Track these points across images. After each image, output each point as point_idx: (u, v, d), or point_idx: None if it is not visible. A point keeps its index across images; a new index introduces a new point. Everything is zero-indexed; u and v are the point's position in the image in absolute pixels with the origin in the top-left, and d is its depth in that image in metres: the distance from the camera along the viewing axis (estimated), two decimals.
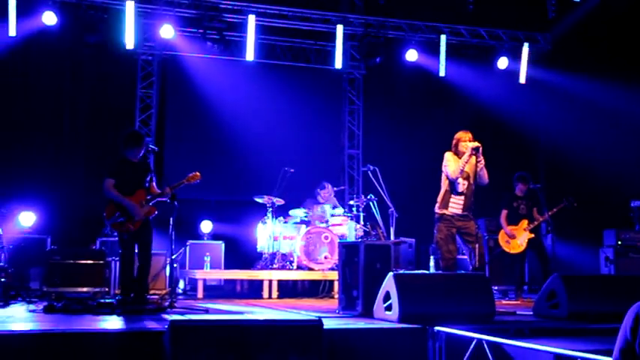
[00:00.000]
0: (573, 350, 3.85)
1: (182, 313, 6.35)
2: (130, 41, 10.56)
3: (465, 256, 7.60)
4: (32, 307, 6.85)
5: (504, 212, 9.18)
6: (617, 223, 10.22)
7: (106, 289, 8.56)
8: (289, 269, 9.54)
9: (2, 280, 7.57)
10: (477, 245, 7.13)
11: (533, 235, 9.02)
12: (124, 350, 4.71)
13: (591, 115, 11.08)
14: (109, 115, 11.25)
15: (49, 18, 10.22)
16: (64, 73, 11.11)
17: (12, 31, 10.02)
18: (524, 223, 9.06)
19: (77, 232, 9.97)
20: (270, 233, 9.71)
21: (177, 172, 11.22)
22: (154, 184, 7.23)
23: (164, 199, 7.02)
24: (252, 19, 11.12)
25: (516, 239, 9.05)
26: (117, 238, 7.26)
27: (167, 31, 10.80)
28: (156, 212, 7.09)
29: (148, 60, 11.65)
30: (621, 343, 2.83)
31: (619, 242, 9.94)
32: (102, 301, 6.85)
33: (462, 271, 7.65)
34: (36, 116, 10.90)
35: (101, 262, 8.58)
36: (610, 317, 3.55)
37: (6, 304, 7.15)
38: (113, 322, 5.65)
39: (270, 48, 12.01)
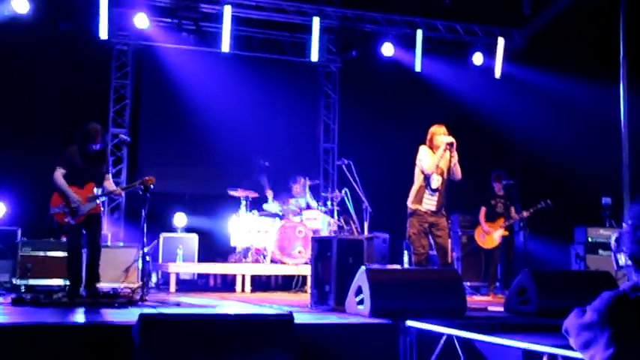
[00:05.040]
0: (541, 345, 3.88)
1: (153, 307, 6.29)
2: (103, 30, 10.39)
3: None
4: (0, 299, 6.76)
5: (483, 210, 9.31)
6: (588, 220, 10.34)
7: None
8: (263, 263, 9.51)
9: None
10: (440, 241, 7.16)
11: (507, 233, 9.18)
12: (92, 343, 4.64)
13: (564, 112, 11.16)
14: (82, 105, 11.04)
15: (21, 5, 10.02)
16: (36, 61, 10.90)
17: None
18: (501, 220, 9.21)
19: (48, 224, 9.81)
20: (243, 227, 9.67)
21: (151, 163, 11.22)
22: (110, 177, 7.10)
23: (137, 189, 6.92)
24: (228, 10, 11.02)
25: (492, 235, 9.18)
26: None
27: (141, 21, 10.67)
28: (101, 209, 7.00)
29: (123, 50, 11.48)
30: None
31: (589, 239, 10.08)
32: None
33: (435, 267, 7.68)
34: (6, 105, 10.68)
35: None
36: None
37: None
38: (82, 315, 5.58)
39: (246, 39, 11.91)
